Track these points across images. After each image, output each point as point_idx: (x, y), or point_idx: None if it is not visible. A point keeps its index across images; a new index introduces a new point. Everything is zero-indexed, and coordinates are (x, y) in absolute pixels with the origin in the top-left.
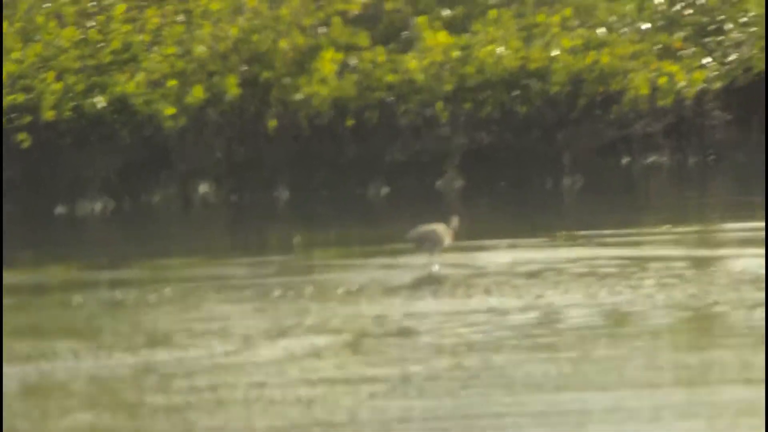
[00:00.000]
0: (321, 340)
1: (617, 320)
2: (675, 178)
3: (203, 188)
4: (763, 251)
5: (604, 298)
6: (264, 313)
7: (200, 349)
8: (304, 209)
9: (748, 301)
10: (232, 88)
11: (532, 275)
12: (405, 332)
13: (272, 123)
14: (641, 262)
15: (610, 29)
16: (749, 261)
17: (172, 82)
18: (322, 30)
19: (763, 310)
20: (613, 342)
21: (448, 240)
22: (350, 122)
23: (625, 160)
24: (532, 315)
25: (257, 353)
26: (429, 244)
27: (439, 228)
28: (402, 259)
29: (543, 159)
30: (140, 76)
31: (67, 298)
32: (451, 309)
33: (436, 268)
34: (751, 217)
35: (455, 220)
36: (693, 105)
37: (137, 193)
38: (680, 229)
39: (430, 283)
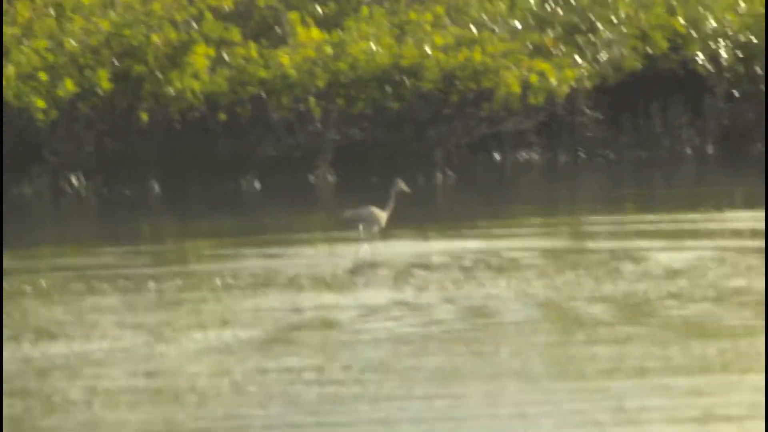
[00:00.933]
0: (226, 333)
1: (546, 312)
2: (546, 174)
3: (74, 181)
4: (647, 243)
5: (527, 289)
6: (155, 304)
7: (104, 341)
8: (175, 203)
9: (669, 291)
10: (103, 81)
11: (420, 267)
12: (298, 325)
13: (144, 117)
14: (544, 253)
15: (482, 28)
16: (649, 253)
17: (43, 76)
18: (194, 25)
19: (681, 301)
20: (556, 334)
21: (383, 222)
22: (223, 117)
23: (496, 157)
24: (447, 308)
25: (164, 346)
26: (365, 224)
27: (375, 210)
28: (282, 250)
29: (415, 155)
30: (11, 70)
31: None
32: (354, 302)
33: (365, 250)
34: (621, 210)
35: (400, 183)
36: (564, 103)
37: (8, 185)
38: (557, 221)
39: (308, 274)
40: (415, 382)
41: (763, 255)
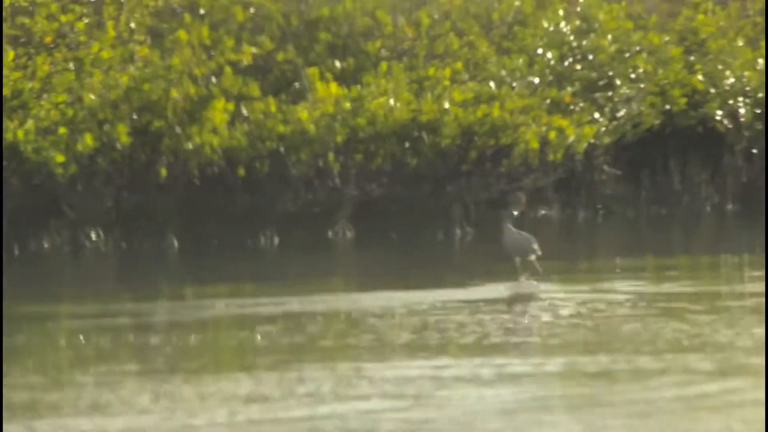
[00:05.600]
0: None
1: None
2: (565, 231)
3: (93, 236)
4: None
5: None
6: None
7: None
8: (194, 258)
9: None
10: (122, 136)
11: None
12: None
13: (163, 172)
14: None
15: (500, 83)
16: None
17: (62, 130)
18: (213, 80)
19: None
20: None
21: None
22: (241, 172)
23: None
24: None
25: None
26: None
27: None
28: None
29: (434, 211)
30: (30, 124)
31: None
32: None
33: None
34: (641, 274)
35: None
36: (583, 160)
37: (27, 240)
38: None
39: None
40: None
41: None
